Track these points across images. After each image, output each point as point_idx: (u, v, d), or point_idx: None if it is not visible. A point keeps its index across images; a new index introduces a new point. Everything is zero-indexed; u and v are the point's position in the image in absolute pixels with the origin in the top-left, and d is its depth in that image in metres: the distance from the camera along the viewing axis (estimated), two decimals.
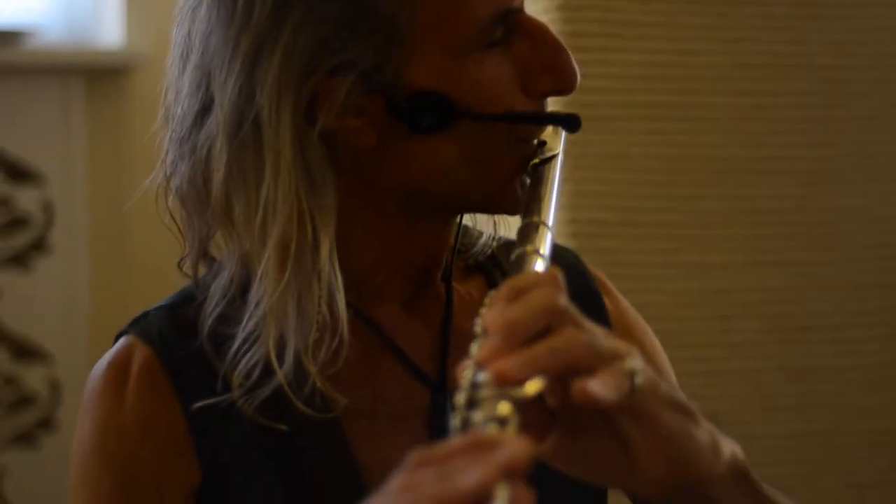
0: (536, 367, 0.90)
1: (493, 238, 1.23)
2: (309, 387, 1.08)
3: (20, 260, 2.97)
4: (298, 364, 1.08)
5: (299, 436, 1.10)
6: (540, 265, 1.02)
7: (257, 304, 1.08)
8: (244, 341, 1.09)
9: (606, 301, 1.25)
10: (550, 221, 1.07)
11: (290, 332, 1.08)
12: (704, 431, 0.99)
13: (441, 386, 1.15)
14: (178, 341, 1.13)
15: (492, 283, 1.20)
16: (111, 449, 1.11)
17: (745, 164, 2.05)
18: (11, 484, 2.94)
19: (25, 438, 2.96)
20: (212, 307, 1.12)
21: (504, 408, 0.87)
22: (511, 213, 1.13)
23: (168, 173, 1.15)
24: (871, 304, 2.10)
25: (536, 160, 1.12)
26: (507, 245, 1.21)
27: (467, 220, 1.22)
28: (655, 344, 1.28)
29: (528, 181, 1.12)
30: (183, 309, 1.16)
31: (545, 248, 1.04)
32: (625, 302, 1.28)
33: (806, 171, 2.07)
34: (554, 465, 0.99)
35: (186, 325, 1.13)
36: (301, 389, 1.08)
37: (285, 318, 1.08)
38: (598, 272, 1.27)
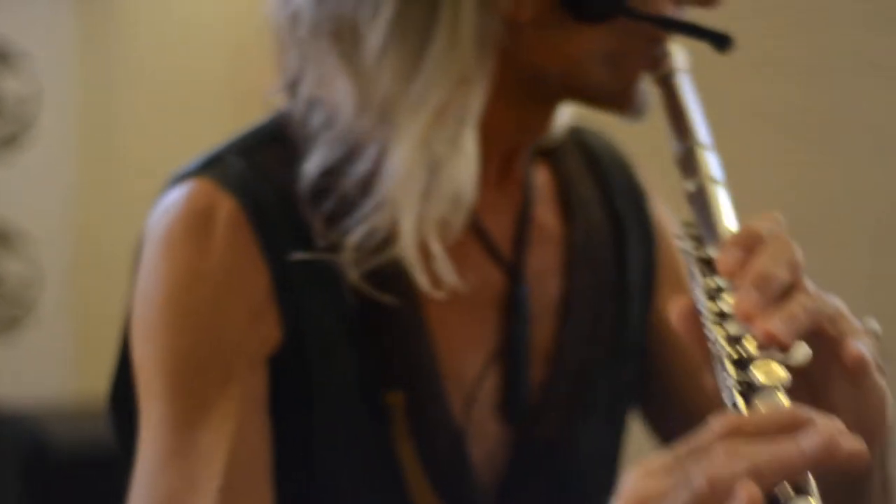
0: (799, 328, 0.86)
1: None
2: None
3: (6, 144, 2.95)
4: (420, 241, 1.02)
5: (378, 312, 1.05)
6: (723, 195, 0.99)
7: (387, 171, 1.02)
8: (365, 205, 1.03)
9: (652, 208, 1.21)
10: (708, 140, 1.03)
11: (421, 204, 1.02)
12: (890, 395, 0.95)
13: (517, 275, 1.11)
14: (264, 192, 1.05)
15: (559, 173, 1.18)
16: (195, 296, 1.03)
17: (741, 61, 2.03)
18: None
19: (7, 326, 2.97)
20: (316, 158, 1.05)
21: (784, 377, 0.84)
22: (627, 114, 1.08)
23: None
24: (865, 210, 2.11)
25: (664, 72, 1.07)
26: (577, 132, 1.19)
27: None
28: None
29: (662, 96, 1.07)
30: (263, 154, 1.08)
31: (717, 172, 1.00)
32: (663, 210, 1.24)
33: (805, 69, 2.06)
34: None
35: (271, 174, 1.06)
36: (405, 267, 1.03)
37: (419, 189, 1.02)
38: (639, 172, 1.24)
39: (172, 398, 1.01)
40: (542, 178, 1.16)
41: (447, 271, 1.04)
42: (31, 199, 2.98)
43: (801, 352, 0.86)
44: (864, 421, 0.92)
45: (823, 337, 0.88)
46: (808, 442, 0.76)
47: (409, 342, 1.07)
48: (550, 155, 1.18)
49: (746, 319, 0.85)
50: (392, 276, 1.04)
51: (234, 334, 1.02)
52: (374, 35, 1.02)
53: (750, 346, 0.86)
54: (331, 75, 1.05)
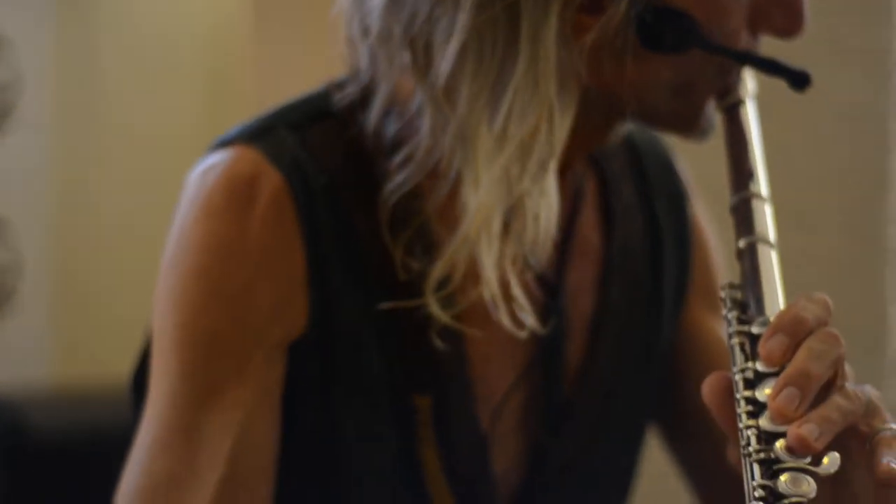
0: (831, 433, 0.84)
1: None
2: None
3: None
4: (501, 280, 0.98)
5: (413, 316, 1.01)
6: (774, 259, 0.97)
7: (467, 206, 0.97)
8: (445, 240, 0.99)
9: (691, 209, 1.20)
10: (766, 190, 1.02)
11: (501, 241, 0.98)
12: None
13: (556, 290, 1.09)
14: (314, 175, 1.01)
15: (604, 181, 1.14)
16: (227, 275, 0.98)
17: None
18: None
19: None
20: (399, 177, 1.00)
21: (808, 488, 0.83)
22: (690, 138, 1.07)
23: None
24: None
25: (732, 100, 1.06)
26: (627, 139, 1.16)
27: None
28: (717, 260, 1.23)
29: (725, 122, 1.06)
30: (314, 132, 1.03)
31: (770, 230, 0.99)
32: (701, 210, 1.23)
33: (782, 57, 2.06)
34: None
35: (322, 157, 1.02)
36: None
37: (499, 227, 0.97)
38: (685, 172, 1.22)
39: (185, 376, 0.97)
40: (587, 183, 1.12)
41: (527, 313, 1.00)
42: (10, 186, 2.97)
43: (832, 462, 0.84)
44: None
45: (855, 436, 0.85)
46: None
47: (444, 349, 1.02)
48: (595, 160, 1.14)
49: (780, 418, 0.83)
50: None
51: (259, 320, 0.98)
52: (447, 60, 0.96)
53: (780, 447, 0.84)
54: (406, 86, 1.00)
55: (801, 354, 0.85)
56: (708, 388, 0.88)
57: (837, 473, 0.85)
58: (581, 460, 1.12)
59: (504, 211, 0.97)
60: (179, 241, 1.00)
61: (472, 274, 0.98)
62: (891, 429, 0.87)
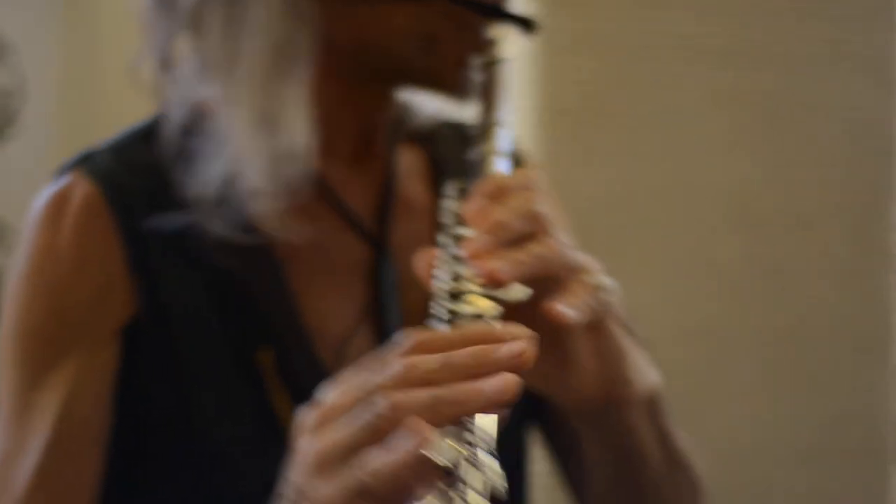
0: (521, 272, 0.92)
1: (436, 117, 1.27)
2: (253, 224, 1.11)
3: None
4: (255, 188, 1.10)
5: (241, 278, 1.12)
6: (501, 165, 1.04)
7: (221, 127, 1.11)
8: (204, 162, 1.11)
9: None
10: (507, 121, 1.09)
11: (253, 158, 1.10)
12: (638, 355, 1.04)
13: (381, 244, 1.18)
14: (126, 177, 1.14)
15: (433, 157, 1.25)
16: (45, 274, 1.12)
17: (718, 52, 2.03)
18: None
19: None
20: (170, 124, 1.14)
21: (488, 305, 0.89)
22: (452, 96, 1.15)
23: None
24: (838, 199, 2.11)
25: (489, 59, 1.13)
26: (450, 125, 1.26)
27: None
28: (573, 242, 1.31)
29: (480, 79, 1.13)
30: (130, 150, 1.17)
31: (504, 147, 1.06)
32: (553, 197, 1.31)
33: (784, 62, 2.06)
34: None
35: (136, 163, 1.15)
36: (248, 223, 1.11)
37: (251, 143, 1.10)
38: (533, 161, 1.32)
39: (16, 366, 1.10)
40: (414, 159, 1.23)
41: (293, 224, 1.10)
42: (13, 192, 2.97)
43: (519, 290, 0.93)
44: (604, 371, 1.00)
45: (556, 285, 0.94)
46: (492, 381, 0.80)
47: (272, 302, 1.12)
48: (427, 141, 1.25)
49: (473, 259, 0.91)
50: (252, 246, 1.11)
51: (78, 311, 1.11)
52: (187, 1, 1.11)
53: (471, 284, 0.90)
54: (176, 45, 1.15)
55: (495, 209, 0.94)
56: (422, 258, 0.95)
57: (556, 333, 0.96)
58: None
59: (261, 134, 1.10)
60: (17, 259, 1.15)
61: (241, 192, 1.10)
62: (596, 284, 0.96)
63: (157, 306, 1.11)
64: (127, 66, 1.18)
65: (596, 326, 0.99)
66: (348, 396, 0.81)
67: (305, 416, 0.82)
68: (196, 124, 1.14)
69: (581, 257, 0.97)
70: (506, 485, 0.77)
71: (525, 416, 1.24)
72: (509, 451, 1.22)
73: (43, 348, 1.11)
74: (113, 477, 1.12)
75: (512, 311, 0.94)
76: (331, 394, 0.82)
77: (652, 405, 1.07)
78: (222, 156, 1.11)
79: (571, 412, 1.07)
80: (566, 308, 0.93)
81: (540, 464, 1.32)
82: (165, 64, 1.15)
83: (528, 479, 1.27)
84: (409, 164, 1.23)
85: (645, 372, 1.05)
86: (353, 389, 0.81)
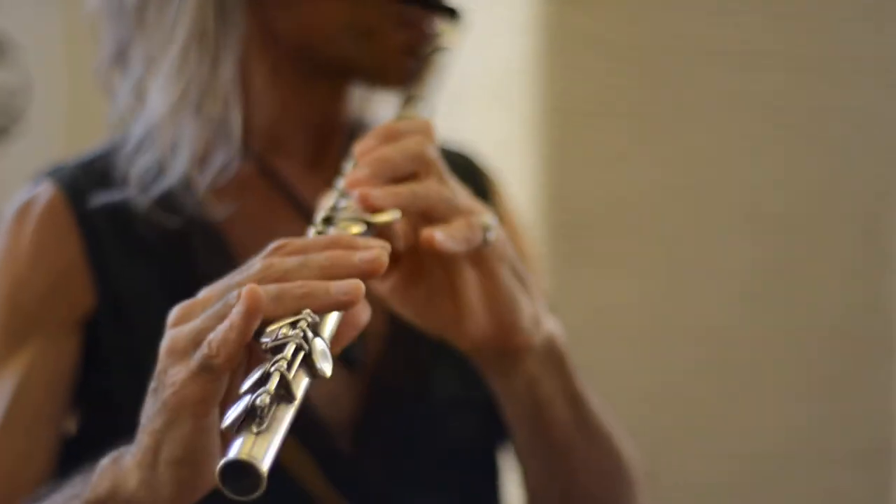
0: (396, 201, 0.97)
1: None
2: (195, 199, 1.16)
3: None
4: (188, 170, 1.15)
5: (193, 268, 1.16)
6: None
7: (152, 114, 1.16)
8: (141, 141, 1.17)
9: (493, 201, 1.29)
10: (429, 99, 1.13)
11: (184, 137, 1.15)
12: (532, 303, 1.06)
13: None
14: (85, 179, 1.19)
15: None
16: (6, 271, 1.17)
17: (728, 53, 2.03)
18: None
19: None
20: (119, 125, 1.20)
21: (357, 228, 0.94)
22: (395, 89, 1.18)
23: None
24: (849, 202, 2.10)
25: (431, 49, 1.17)
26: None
27: None
28: (532, 252, 1.33)
29: (416, 66, 1.17)
30: (95, 160, 1.22)
31: (421, 117, 1.10)
32: (512, 206, 1.34)
33: (795, 64, 2.05)
34: (390, 304, 1.07)
35: (100, 171, 1.19)
36: (188, 198, 1.16)
37: (180, 123, 1.14)
38: (492, 174, 1.33)
39: None
40: None
41: (222, 201, 1.15)
42: (20, 191, 2.97)
43: (386, 215, 0.96)
44: (493, 316, 1.03)
45: (436, 221, 0.99)
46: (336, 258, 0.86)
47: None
48: None
49: (351, 185, 0.97)
50: (208, 236, 1.16)
51: (34, 303, 1.16)
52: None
53: (347, 212, 0.95)
54: (128, 44, 1.19)
55: (380, 148, 0.99)
56: (317, 200, 1.01)
57: (447, 270, 1.01)
58: (411, 392, 1.20)
59: (186, 112, 1.15)
60: None
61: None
62: (483, 225, 1.01)
63: (114, 296, 1.16)
64: (92, 68, 1.23)
65: (482, 268, 1.03)
66: (210, 293, 0.87)
67: (172, 312, 0.88)
68: (137, 116, 1.19)
69: (466, 201, 1.01)
70: (331, 366, 0.83)
71: (493, 423, 1.24)
72: (486, 470, 1.25)
73: (2, 340, 1.15)
74: (74, 464, 1.12)
75: (399, 255, 1.01)
76: (200, 293, 0.88)
77: (553, 358, 1.09)
78: (155, 141, 1.16)
79: (476, 361, 1.10)
80: (442, 235, 0.97)
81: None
82: (118, 60, 1.20)
83: (501, 488, 1.27)
84: None
85: (541, 322, 1.07)
86: (215, 288, 0.87)
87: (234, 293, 0.84)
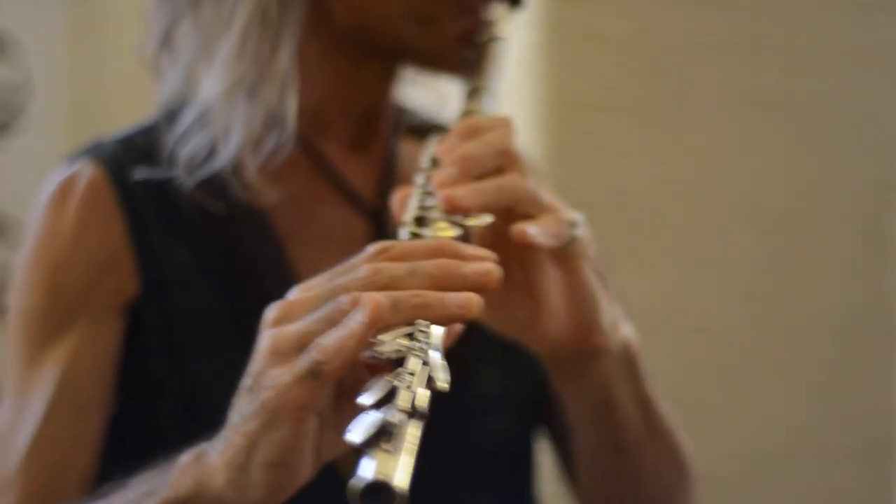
0: (484, 200, 0.94)
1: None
2: (241, 182, 1.14)
3: None
4: (239, 153, 1.13)
5: (241, 252, 1.15)
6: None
7: (205, 97, 1.15)
8: (193, 124, 1.15)
9: None
10: (493, 89, 1.12)
11: (237, 121, 1.13)
12: (611, 305, 1.04)
13: (380, 217, 1.19)
14: (127, 158, 1.17)
15: None
16: (47, 253, 1.15)
17: (729, 48, 2.03)
18: None
19: None
20: (163, 94, 1.19)
21: (452, 231, 0.91)
22: (450, 75, 1.18)
23: None
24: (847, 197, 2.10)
25: (487, 38, 1.15)
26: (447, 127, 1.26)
27: None
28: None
29: (474, 55, 1.16)
30: (135, 138, 1.20)
31: (487, 109, 1.09)
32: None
33: (796, 59, 2.05)
34: None
35: (142, 149, 1.18)
36: (234, 181, 1.14)
37: (234, 106, 1.13)
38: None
39: (20, 344, 1.14)
40: (415, 152, 1.22)
41: (269, 185, 1.13)
42: (20, 187, 2.97)
43: (481, 218, 0.94)
44: (575, 316, 1.01)
45: (521, 216, 0.96)
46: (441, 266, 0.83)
47: (269, 272, 1.15)
48: (431, 130, 1.24)
49: (439, 187, 0.94)
50: (252, 219, 1.14)
51: (77, 287, 1.13)
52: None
53: (436, 212, 0.93)
54: (178, 28, 1.19)
55: (464, 145, 0.97)
56: (397, 196, 0.98)
57: (526, 266, 0.98)
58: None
59: (240, 96, 1.14)
60: (25, 241, 1.19)
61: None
62: (570, 221, 0.98)
63: (158, 279, 1.14)
64: (135, 51, 1.24)
65: (566, 266, 1.00)
66: (313, 294, 0.84)
67: (269, 311, 0.85)
68: (188, 98, 1.18)
69: (551, 196, 0.99)
70: (449, 379, 0.79)
71: (532, 421, 1.24)
72: (523, 468, 1.24)
73: (43, 325, 1.13)
74: (114, 448, 1.14)
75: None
76: (297, 292, 0.85)
77: (628, 362, 1.08)
78: (207, 124, 1.15)
79: (547, 363, 1.07)
80: (534, 229, 0.95)
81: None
82: (166, 44, 1.19)
83: (536, 485, 1.26)
84: (410, 154, 1.23)
85: (618, 324, 1.06)
86: (319, 289, 0.84)
87: (345, 298, 0.81)
